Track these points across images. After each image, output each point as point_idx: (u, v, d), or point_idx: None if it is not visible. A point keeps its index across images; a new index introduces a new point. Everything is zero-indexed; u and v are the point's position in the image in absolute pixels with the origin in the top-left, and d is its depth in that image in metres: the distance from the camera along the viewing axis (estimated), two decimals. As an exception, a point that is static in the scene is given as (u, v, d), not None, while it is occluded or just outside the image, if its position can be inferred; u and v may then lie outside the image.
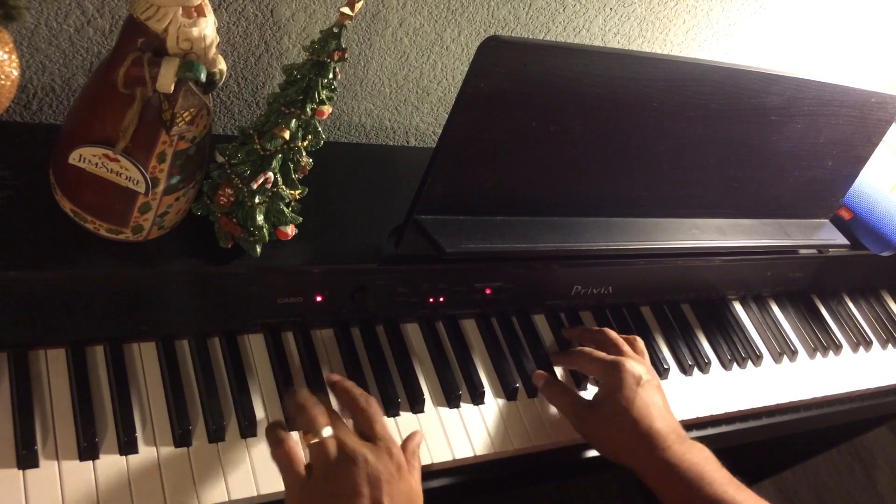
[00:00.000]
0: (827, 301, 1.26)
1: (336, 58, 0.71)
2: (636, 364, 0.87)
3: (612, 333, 0.94)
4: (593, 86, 0.80)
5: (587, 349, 0.92)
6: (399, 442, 0.77)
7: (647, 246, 0.95)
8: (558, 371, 0.95)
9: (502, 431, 0.87)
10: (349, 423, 0.76)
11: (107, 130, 0.67)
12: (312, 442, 0.71)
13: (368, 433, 0.74)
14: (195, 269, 0.77)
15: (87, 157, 0.68)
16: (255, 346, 0.83)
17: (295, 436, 0.75)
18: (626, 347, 0.92)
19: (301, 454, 0.73)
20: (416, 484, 0.74)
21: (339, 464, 0.70)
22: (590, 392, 0.94)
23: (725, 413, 1.01)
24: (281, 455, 0.72)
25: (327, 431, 0.72)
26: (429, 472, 0.83)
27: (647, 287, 1.07)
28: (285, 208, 0.78)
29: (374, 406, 0.77)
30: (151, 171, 0.69)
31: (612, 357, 0.89)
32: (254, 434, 0.77)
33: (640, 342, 0.95)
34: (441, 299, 0.91)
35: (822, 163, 1.05)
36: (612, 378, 0.86)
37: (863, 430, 1.76)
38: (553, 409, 0.91)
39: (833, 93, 0.97)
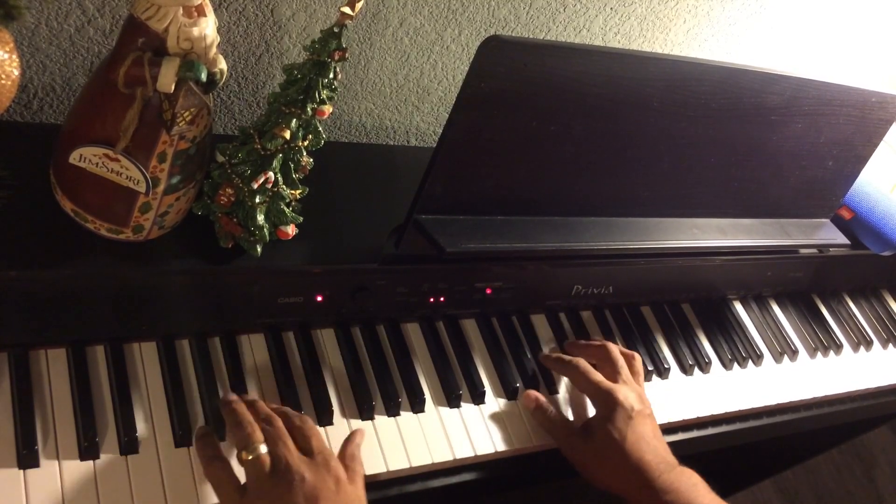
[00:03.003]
0: (827, 301, 1.26)
1: (336, 57, 0.71)
2: (629, 393, 0.87)
3: (614, 350, 0.93)
4: (594, 85, 0.80)
5: (584, 365, 0.91)
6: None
7: (648, 246, 0.95)
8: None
9: (503, 431, 0.87)
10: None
11: (107, 130, 0.67)
12: (248, 459, 0.70)
13: (306, 448, 0.73)
14: (196, 268, 0.77)
15: (87, 157, 0.68)
16: (256, 346, 0.83)
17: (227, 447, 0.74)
18: (624, 371, 0.91)
19: (233, 472, 0.71)
20: (358, 491, 0.73)
21: (274, 482, 0.69)
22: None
23: (726, 413, 1.02)
24: (213, 473, 0.71)
25: (262, 448, 0.71)
26: (429, 473, 0.83)
27: (648, 287, 1.07)
28: (286, 208, 0.78)
29: (308, 423, 0.75)
30: (152, 170, 0.69)
31: (607, 385, 0.88)
32: (254, 434, 0.77)
33: (638, 361, 0.94)
34: (441, 299, 0.91)
35: (822, 162, 1.05)
36: (606, 408, 0.86)
37: (863, 430, 1.76)
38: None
39: (833, 92, 0.97)
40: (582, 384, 0.90)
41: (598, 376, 0.89)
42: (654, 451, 0.84)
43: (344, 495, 0.70)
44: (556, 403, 0.92)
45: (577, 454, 0.87)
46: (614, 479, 0.85)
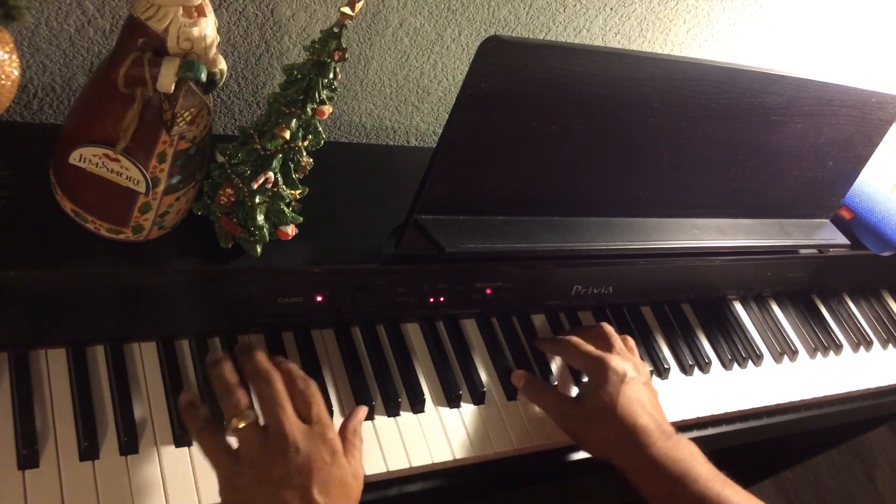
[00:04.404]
0: (827, 301, 1.26)
1: (336, 58, 0.71)
2: (621, 360, 0.87)
3: (607, 328, 0.94)
4: (593, 86, 0.80)
5: (575, 339, 0.91)
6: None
7: (647, 246, 0.95)
8: (554, 367, 0.96)
9: (503, 431, 0.87)
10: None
11: (107, 130, 0.67)
12: (239, 427, 0.68)
13: (305, 415, 0.70)
14: (196, 268, 0.77)
15: (87, 157, 0.68)
16: (256, 346, 0.83)
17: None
18: (618, 344, 0.91)
19: (224, 440, 0.69)
20: (354, 466, 0.71)
21: (266, 451, 0.67)
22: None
23: (726, 413, 1.02)
24: (204, 443, 0.69)
25: (252, 414, 0.69)
26: (429, 473, 0.83)
27: (648, 287, 1.07)
28: (286, 208, 0.78)
29: (312, 388, 0.72)
30: (152, 170, 0.69)
31: (597, 353, 0.88)
32: (254, 434, 0.77)
33: (630, 340, 0.95)
34: (441, 299, 0.91)
35: (822, 163, 1.05)
36: (597, 374, 0.85)
37: (863, 430, 1.76)
38: (553, 409, 0.91)
39: (833, 93, 0.97)
40: (574, 357, 0.90)
41: (589, 347, 0.89)
42: (650, 416, 0.82)
43: (338, 468, 0.68)
44: None
45: (567, 421, 0.86)
46: (606, 445, 0.83)
